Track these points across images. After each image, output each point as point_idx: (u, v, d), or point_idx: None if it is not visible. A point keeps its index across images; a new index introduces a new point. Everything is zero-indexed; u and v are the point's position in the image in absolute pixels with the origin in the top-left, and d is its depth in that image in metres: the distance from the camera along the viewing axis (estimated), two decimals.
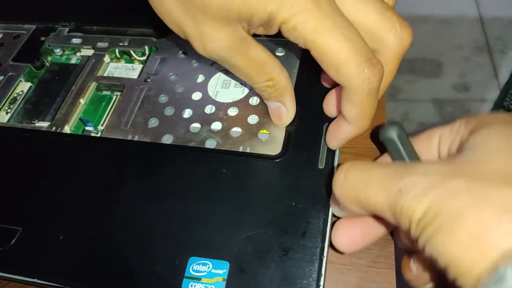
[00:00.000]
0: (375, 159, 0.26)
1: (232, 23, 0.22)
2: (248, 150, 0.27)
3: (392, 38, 0.22)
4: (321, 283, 0.22)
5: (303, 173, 0.25)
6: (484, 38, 1.25)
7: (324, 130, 0.26)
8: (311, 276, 0.22)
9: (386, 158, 0.24)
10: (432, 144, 0.22)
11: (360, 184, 0.19)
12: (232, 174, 0.26)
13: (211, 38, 0.22)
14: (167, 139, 0.28)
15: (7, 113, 0.32)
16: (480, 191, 0.15)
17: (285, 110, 0.27)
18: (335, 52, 0.20)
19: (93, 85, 0.33)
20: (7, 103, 0.32)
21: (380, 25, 0.22)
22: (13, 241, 0.25)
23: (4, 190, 0.27)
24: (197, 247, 0.23)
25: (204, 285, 0.22)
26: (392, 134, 0.21)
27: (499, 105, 1.11)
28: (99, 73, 0.33)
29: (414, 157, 0.22)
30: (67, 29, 0.36)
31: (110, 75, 0.33)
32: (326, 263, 0.22)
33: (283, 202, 0.24)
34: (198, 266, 0.22)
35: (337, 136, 0.25)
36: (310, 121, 0.27)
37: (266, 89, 0.25)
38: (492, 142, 0.17)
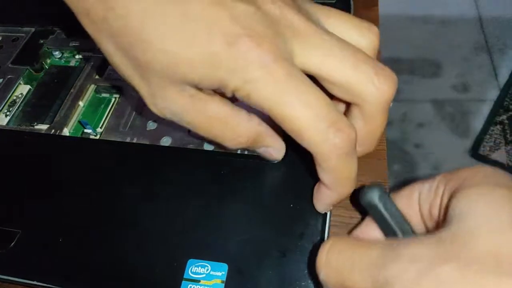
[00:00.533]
0: (357, 225, 0.24)
1: (180, 84, 0.20)
2: (246, 152, 0.27)
3: (370, 93, 0.20)
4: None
5: (301, 174, 0.25)
6: (483, 38, 1.25)
7: None
8: (309, 278, 0.22)
9: (369, 223, 0.22)
10: (412, 200, 0.21)
11: (344, 268, 0.18)
12: (230, 176, 0.26)
13: (161, 97, 0.20)
14: (166, 141, 0.28)
15: (6, 115, 0.32)
16: (473, 281, 0.14)
17: (272, 150, 0.24)
18: (294, 120, 0.19)
19: (92, 88, 0.33)
20: (6, 106, 0.33)
21: (355, 80, 0.20)
22: (13, 243, 0.25)
23: (4, 193, 0.27)
24: (196, 249, 0.23)
25: (203, 287, 0.22)
26: (374, 198, 0.20)
27: (499, 105, 1.11)
28: (98, 76, 0.33)
29: (399, 220, 0.20)
30: (65, 32, 0.36)
31: (109, 78, 0.33)
32: None
33: (282, 204, 0.24)
34: (197, 268, 0.22)
35: (321, 201, 0.23)
36: None
37: (241, 145, 0.23)
38: (479, 212, 0.16)
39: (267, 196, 0.25)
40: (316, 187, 0.23)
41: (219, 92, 0.21)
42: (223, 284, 0.22)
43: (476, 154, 1.06)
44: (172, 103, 0.21)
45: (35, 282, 0.24)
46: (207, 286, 0.22)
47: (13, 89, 0.33)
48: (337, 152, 0.19)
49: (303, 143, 0.20)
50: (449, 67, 1.20)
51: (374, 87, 0.20)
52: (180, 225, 0.24)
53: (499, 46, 1.23)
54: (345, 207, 0.26)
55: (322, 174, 0.21)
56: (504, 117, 1.09)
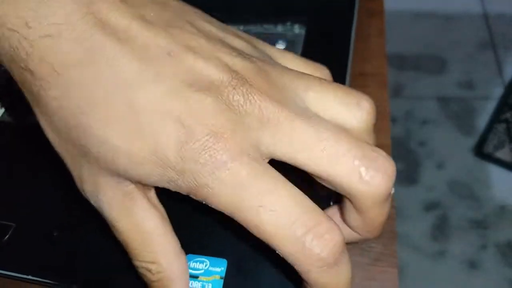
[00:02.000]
0: None
1: (116, 177, 0.17)
2: None
3: (357, 189, 0.17)
4: None
5: (303, 172, 0.24)
6: (488, 35, 1.24)
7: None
8: None
9: None
10: None
11: None
12: None
13: (91, 184, 0.18)
14: None
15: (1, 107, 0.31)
16: None
17: None
18: (261, 228, 0.16)
19: None
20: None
21: (338, 175, 0.16)
22: (6, 237, 0.24)
23: None
24: (194, 245, 0.22)
25: (201, 283, 0.21)
26: None
27: (504, 103, 1.10)
28: None
29: None
30: None
31: None
32: None
33: None
34: (196, 264, 0.22)
35: None
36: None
37: (146, 274, 0.19)
38: None
39: None
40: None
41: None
42: (222, 280, 0.21)
43: (480, 152, 1.05)
44: (100, 192, 0.18)
45: (29, 277, 0.23)
46: (206, 282, 0.21)
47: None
48: (318, 264, 0.15)
49: (279, 253, 0.16)
50: (453, 64, 1.19)
51: (362, 183, 0.16)
52: (178, 220, 0.23)
53: (504, 43, 1.22)
54: None
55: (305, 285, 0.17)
56: (509, 115, 1.08)
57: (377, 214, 0.18)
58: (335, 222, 0.16)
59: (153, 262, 0.18)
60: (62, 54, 0.16)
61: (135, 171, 0.17)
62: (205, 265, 0.22)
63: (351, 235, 0.20)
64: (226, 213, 0.17)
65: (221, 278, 0.21)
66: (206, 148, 0.15)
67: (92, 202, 0.19)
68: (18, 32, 0.15)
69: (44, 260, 0.23)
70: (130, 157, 0.16)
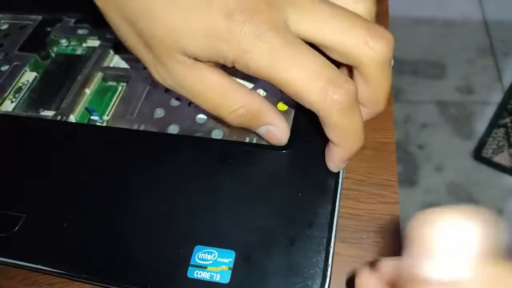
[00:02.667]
0: None
1: (180, 54, 0.21)
2: (254, 141, 0.27)
3: (364, 54, 0.20)
4: (328, 273, 0.21)
5: (310, 163, 0.25)
6: (488, 40, 1.25)
7: None
8: (317, 266, 0.21)
9: None
10: None
11: None
12: (238, 165, 0.25)
13: (163, 65, 0.22)
14: (173, 129, 0.28)
15: (12, 102, 0.32)
16: None
17: (276, 130, 0.25)
18: (291, 82, 0.20)
19: (99, 76, 0.32)
20: (12, 92, 0.32)
21: (349, 43, 0.20)
22: (17, 227, 0.24)
23: (9, 177, 0.27)
24: (203, 236, 0.23)
25: (209, 273, 0.22)
26: None
27: (503, 108, 1.11)
28: (105, 64, 0.33)
29: None
30: (73, 20, 0.36)
31: (116, 66, 0.33)
32: (333, 254, 0.22)
33: (290, 193, 0.24)
34: (204, 255, 0.22)
35: (332, 159, 0.24)
36: None
37: (240, 119, 0.23)
38: None
39: (275, 184, 0.24)
40: (326, 147, 0.23)
41: (220, 65, 0.22)
42: (230, 271, 0.22)
43: (479, 156, 1.05)
44: (173, 71, 0.22)
45: (39, 266, 0.23)
46: (214, 272, 0.22)
47: (19, 76, 0.33)
48: (338, 108, 0.20)
49: (304, 104, 0.20)
50: (453, 69, 1.20)
51: (368, 48, 0.20)
52: (188, 212, 0.24)
53: (503, 49, 1.23)
54: (353, 199, 0.26)
55: (328, 132, 0.21)
56: (508, 120, 1.09)
57: (382, 81, 0.21)
58: (348, 77, 0.20)
59: (240, 106, 0.23)
60: None
61: (194, 46, 0.20)
62: (214, 256, 0.22)
63: (363, 115, 0.23)
64: (264, 77, 0.20)
65: (229, 268, 0.22)
66: (248, 20, 0.19)
67: (168, 80, 0.23)
68: None
69: (54, 250, 0.24)
70: (188, 34, 0.20)
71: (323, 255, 0.22)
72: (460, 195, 1.01)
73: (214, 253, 0.22)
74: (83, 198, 0.25)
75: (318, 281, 0.21)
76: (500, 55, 1.22)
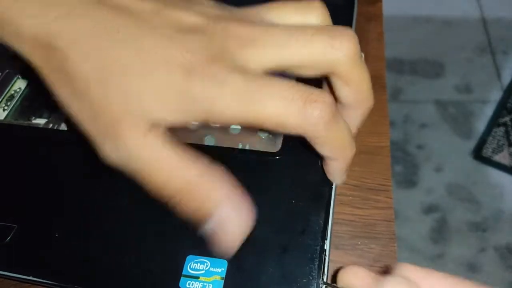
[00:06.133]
0: None
1: (142, 122, 0.19)
2: (247, 147, 0.26)
3: (334, 58, 0.20)
4: (321, 281, 0.21)
5: (302, 170, 0.25)
6: (486, 39, 1.25)
7: None
8: (311, 274, 0.21)
9: None
10: None
11: None
12: (230, 172, 0.25)
13: (113, 137, 0.20)
14: None
15: (3, 110, 0.32)
16: None
17: (226, 228, 0.20)
18: (269, 116, 0.19)
19: None
20: (4, 100, 0.32)
21: (315, 55, 0.20)
22: (8, 238, 0.24)
23: (0, 187, 0.27)
24: (195, 246, 0.23)
25: (202, 283, 0.21)
26: None
27: (502, 107, 1.11)
28: None
29: None
30: None
31: None
32: (328, 262, 0.22)
33: (283, 200, 0.24)
34: (196, 265, 0.22)
35: (333, 174, 0.23)
36: None
37: (186, 207, 0.20)
38: None
39: (267, 191, 0.24)
40: (323, 163, 0.23)
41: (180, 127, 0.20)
42: (223, 281, 0.21)
43: (479, 155, 1.05)
44: (123, 143, 0.19)
45: (30, 277, 0.23)
46: (207, 282, 0.21)
47: (11, 84, 0.33)
48: (323, 123, 0.19)
49: (289, 131, 0.20)
50: (452, 68, 1.20)
51: (335, 50, 0.20)
52: (179, 221, 0.24)
53: (502, 48, 1.23)
54: (347, 204, 0.26)
55: (320, 149, 0.21)
56: (507, 118, 1.09)
57: (360, 76, 0.21)
58: (322, 90, 0.19)
59: (186, 190, 0.20)
60: (75, 28, 0.19)
61: (157, 108, 0.19)
62: (206, 266, 0.22)
63: (355, 117, 0.23)
64: (239, 123, 0.19)
65: (221, 278, 0.21)
66: (207, 72, 0.19)
67: (114, 158, 0.20)
68: (36, 19, 0.19)
69: (45, 261, 0.24)
70: (150, 94, 0.19)
71: (316, 264, 0.21)
72: (460, 195, 1.00)
73: (207, 262, 0.22)
74: (74, 208, 0.25)
75: None
76: (499, 54, 1.21)
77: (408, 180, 1.03)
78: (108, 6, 0.20)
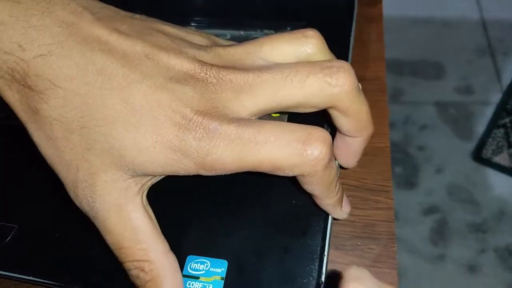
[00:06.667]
0: None
1: (121, 171, 0.19)
2: None
3: (331, 94, 0.19)
4: (321, 281, 0.21)
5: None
6: (486, 40, 1.25)
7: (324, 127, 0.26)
8: (311, 274, 0.21)
9: None
10: None
11: None
12: (231, 173, 0.25)
13: (88, 185, 0.19)
14: None
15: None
16: None
17: None
18: (267, 161, 0.18)
19: None
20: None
21: (312, 94, 0.19)
22: (8, 238, 0.24)
23: (0, 187, 0.27)
24: (195, 246, 0.23)
25: (202, 284, 0.21)
26: None
27: (502, 108, 1.11)
28: None
29: None
30: None
31: None
32: (327, 262, 0.22)
33: (283, 200, 0.24)
34: (196, 265, 0.22)
35: (330, 211, 0.22)
36: (311, 116, 0.27)
37: (138, 276, 0.20)
38: None
39: (268, 192, 0.24)
40: (315, 200, 0.22)
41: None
42: (223, 281, 0.21)
43: (479, 157, 1.05)
44: (95, 192, 0.19)
45: (30, 278, 0.23)
46: (207, 283, 0.21)
47: None
48: (321, 164, 0.18)
49: (285, 174, 0.19)
50: (452, 70, 1.20)
51: (332, 87, 0.19)
52: (179, 222, 0.24)
53: (502, 49, 1.23)
54: None
55: (310, 188, 0.20)
56: (507, 120, 1.09)
57: (359, 108, 0.21)
58: (320, 128, 0.19)
59: (145, 260, 0.19)
60: (56, 69, 0.18)
61: (143, 160, 0.18)
62: (206, 266, 0.22)
63: (355, 145, 0.23)
64: (235, 170, 0.19)
65: (221, 279, 0.21)
66: (198, 125, 0.18)
67: (84, 205, 0.20)
68: (14, 55, 0.18)
69: (46, 261, 0.24)
70: (137, 147, 0.18)
71: (316, 264, 0.21)
72: (460, 197, 1.00)
73: (207, 263, 0.22)
74: (75, 208, 0.25)
75: None
76: (499, 55, 1.21)
77: (408, 181, 1.03)
78: (96, 46, 0.18)
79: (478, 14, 1.30)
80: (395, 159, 1.05)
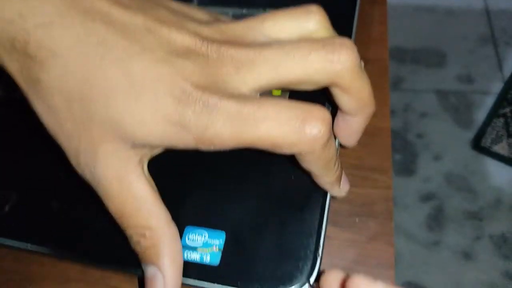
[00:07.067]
0: None
1: (122, 142, 0.19)
2: None
3: (333, 72, 0.19)
4: (319, 255, 0.21)
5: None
6: (489, 30, 1.24)
7: (326, 106, 0.26)
8: (308, 248, 0.21)
9: None
10: None
11: None
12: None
13: (89, 153, 0.19)
14: None
15: None
16: None
17: (161, 281, 0.20)
18: (265, 137, 0.18)
19: None
20: None
21: (314, 71, 0.19)
22: (7, 206, 0.24)
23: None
24: (194, 217, 0.23)
25: (199, 254, 0.22)
26: None
27: (503, 98, 1.11)
28: None
29: None
30: None
31: None
32: (324, 237, 0.22)
33: (283, 176, 0.24)
34: (194, 236, 0.22)
35: (328, 189, 0.22)
36: (312, 95, 0.27)
37: (139, 242, 0.20)
38: None
39: (269, 166, 0.24)
40: (313, 178, 0.22)
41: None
42: (220, 252, 0.22)
43: (478, 145, 1.05)
44: (97, 161, 0.19)
45: (28, 246, 0.23)
46: (204, 253, 0.22)
47: None
48: (322, 142, 0.18)
49: (284, 152, 0.19)
50: (454, 58, 1.19)
51: (334, 64, 0.19)
52: (179, 193, 0.24)
53: (505, 39, 1.22)
54: None
55: (308, 166, 0.20)
56: (508, 110, 1.09)
57: (361, 86, 0.20)
58: (319, 106, 0.19)
59: (146, 228, 0.20)
60: (56, 39, 0.18)
61: (142, 132, 0.19)
62: (204, 237, 0.22)
63: (356, 123, 0.22)
64: (234, 147, 0.19)
65: (219, 250, 0.22)
66: (197, 99, 0.18)
67: (87, 173, 0.20)
68: (14, 24, 0.18)
69: (44, 230, 0.24)
70: (136, 119, 0.18)
71: (314, 238, 0.22)
72: (457, 185, 1.01)
73: (205, 234, 0.22)
74: (74, 177, 0.25)
75: (309, 264, 0.21)
76: (502, 45, 1.21)
77: (407, 168, 1.04)
78: (98, 18, 0.18)
79: (482, 3, 1.29)
80: (394, 146, 1.05)
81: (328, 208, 0.23)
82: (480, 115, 1.10)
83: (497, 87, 1.14)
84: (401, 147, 1.06)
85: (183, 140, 0.19)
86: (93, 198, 0.24)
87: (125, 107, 0.18)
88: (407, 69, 1.18)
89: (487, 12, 1.27)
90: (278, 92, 0.27)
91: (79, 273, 0.25)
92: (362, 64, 0.21)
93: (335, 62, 0.19)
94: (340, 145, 0.24)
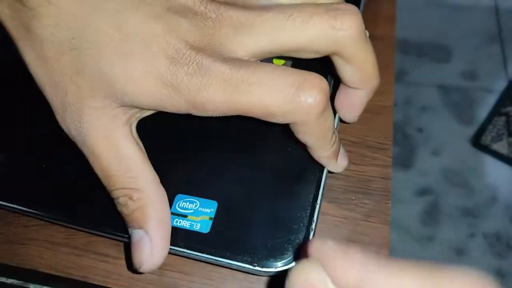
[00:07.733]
0: None
1: (110, 100, 0.18)
2: None
3: (335, 39, 0.18)
4: (312, 229, 0.21)
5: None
6: (497, 28, 1.23)
7: (328, 79, 0.25)
8: (302, 221, 0.21)
9: None
10: None
11: None
12: (225, 117, 0.24)
13: (75, 111, 0.18)
14: None
15: None
16: None
17: (148, 245, 0.19)
18: (259, 104, 0.17)
19: None
20: None
21: (314, 37, 0.18)
22: None
23: None
24: (185, 185, 0.22)
25: (189, 222, 0.21)
26: None
27: (506, 97, 1.10)
28: None
29: None
30: None
31: None
32: (318, 211, 0.21)
33: (280, 147, 0.23)
34: (185, 203, 0.21)
35: (324, 163, 0.21)
36: (314, 66, 0.26)
37: (126, 204, 0.19)
38: None
39: (264, 139, 0.24)
40: (309, 151, 0.21)
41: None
42: (211, 221, 0.21)
43: (477, 143, 1.05)
44: (83, 117, 0.18)
45: (15, 206, 0.23)
46: (194, 222, 0.21)
47: None
48: (317, 111, 0.18)
49: (278, 121, 0.18)
50: (459, 54, 1.18)
51: (336, 31, 0.18)
52: (171, 161, 0.23)
53: None
54: None
55: (303, 138, 0.19)
56: (510, 108, 1.08)
57: (365, 56, 0.19)
58: (317, 74, 0.18)
59: (133, 188, 0.19)
60: None
61: (132, 89, 0.18)
62: (195, 205, 0.21)
63: (359, 97, 0.21)
64: (225, 113, 0.18)
65: (210, 219, 0.21)
66: (191, 60, 0.17)
67: (72, 130, 0.19)
68: None
69: (31, 191, 0.23)
70: (126, 75, 0.17)
71: (308, 212, 0.21)
72: (454, 180, 1.00)
73: (196, 202, 0.21)
74: (63, 139, 0.24)
75: (301, 236, 0.20)
76: (508, 44, 1.20)
77: (404, 161, 1.03)
78: None
79: (492, 1, 1.27)
80: (392, 138, 1.05)
81: (324, 183, 0.22)
82: (482, 113, 1.09)
83: (500, 85, 1.13)
84: (400, 140, 1.06)
85: (174, 102, 0.18)
86: (81, 160, 0.23)
87: (116, 61, 0.18)
88: (411, 62, 1.17)
89: (496, 10, 1.26)
90: (281, 62, 0.26)
91: (65, 238, 0.24)
92: (367, 33, 0.20)
93: (337, 28, 0.18)
94: (341, 121, 0.24)
